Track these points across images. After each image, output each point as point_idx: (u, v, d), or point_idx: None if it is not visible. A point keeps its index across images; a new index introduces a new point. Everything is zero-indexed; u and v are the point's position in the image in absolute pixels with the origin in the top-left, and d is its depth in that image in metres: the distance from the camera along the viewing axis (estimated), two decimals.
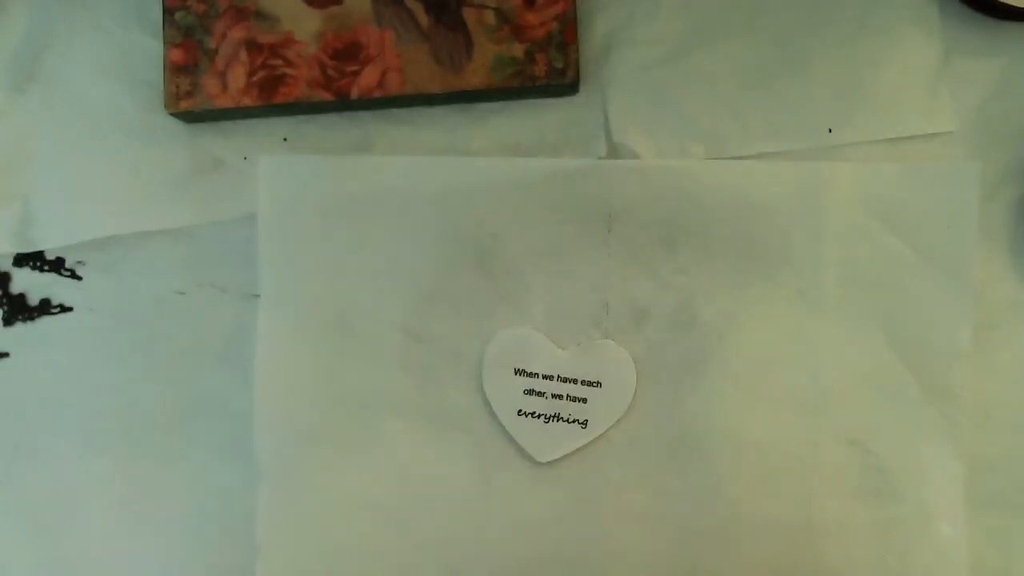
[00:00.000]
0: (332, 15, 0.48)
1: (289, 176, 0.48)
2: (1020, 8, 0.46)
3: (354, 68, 0.48)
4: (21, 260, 0.50)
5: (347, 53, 0.48)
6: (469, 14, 0.47)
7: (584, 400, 0.47)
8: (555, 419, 0.46)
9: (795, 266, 0.46)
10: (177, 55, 0.48)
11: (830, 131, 0.48)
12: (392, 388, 0.47)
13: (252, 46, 0.48)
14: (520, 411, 0.47)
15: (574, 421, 0.46)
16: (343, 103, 0.48)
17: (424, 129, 0.49)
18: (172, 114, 0.48)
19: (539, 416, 0.47)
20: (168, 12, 0.48)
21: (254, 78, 0.48)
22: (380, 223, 0.47)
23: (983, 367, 0.46)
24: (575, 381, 0.47)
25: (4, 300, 0.50)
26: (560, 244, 0.47)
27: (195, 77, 0.48)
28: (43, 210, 0.50)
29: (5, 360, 0.50)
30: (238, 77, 0.48)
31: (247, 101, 0.48)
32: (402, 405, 0.47)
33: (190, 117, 0.49)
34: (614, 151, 0.48)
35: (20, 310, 0.50)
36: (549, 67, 0.47)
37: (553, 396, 0.47)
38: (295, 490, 0.47)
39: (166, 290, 0.49)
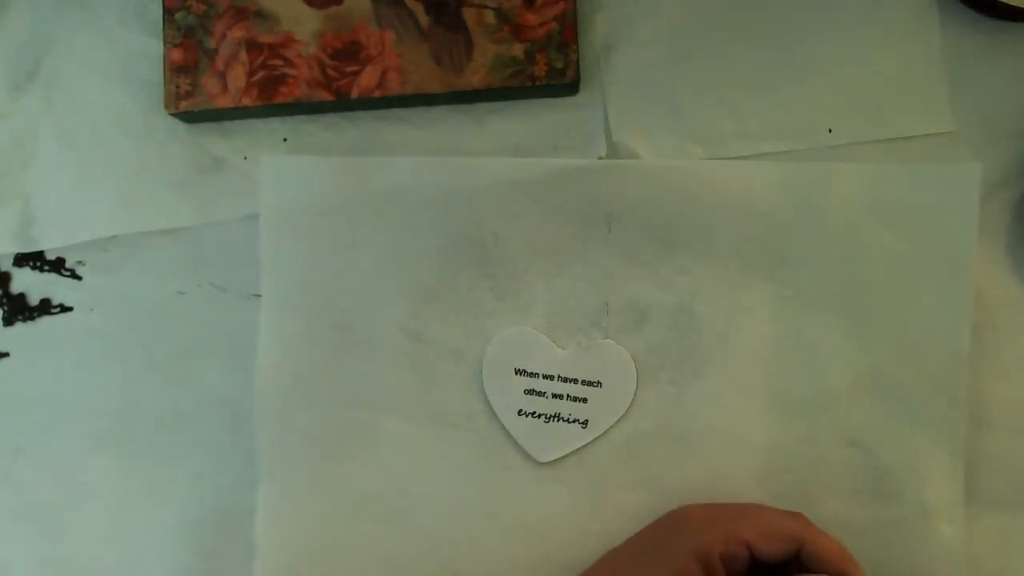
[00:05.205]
0: (332, 15, 0.48)
1: (289, 176, 0.48)
2: (1020, 8, 0.46)
3: (354, 68, 0.48)
4: (21, 260, 0.50)
5: (347, 53, 0.48)
6: (469, 14, 0.47)
7: (584, 400, 0.47)
8: (555, 419, 0.46)
9: (795, 266, 0.46)
10: (177, 55, 0.48)
11: (830, 131, 0.47)
12: (392, 388, 0.47)
13: (252, 46, 0.48)
14: (520, 411, 0.47)
15: (574, 421, 0.46)
16: (343, 103, 0.48)
17: (424, 129, 0.49)
18: (172, 114, 0.48)
19: (539, 416, 0.47)
20: (168, 12, 0.48)
21: (254, 78, 0.48)
22: (380, 223, 0.47)
23: (983, 367, 0.46)
24: (575, 381, 0.47)
25: (4, 300, 0.50)
26: (560, 244, 0.47)
27: (195, 77, 0.48)
28: (43, 210, 0.50)
29: (5, 360, 0.50)
30: (238, 77, 0.48)
31: (247, 101, 0.48)
32: (402, 405, 0.47)
33: (190, 117, 0.49)
34: (614, 151, 0.48)
35: (20, 310, 0.50)
36: (549, 67, 0.47)
37: (553, 396, 0.47)
38: (295, 490, 0.47)
39: (166, 290, 0.49)
